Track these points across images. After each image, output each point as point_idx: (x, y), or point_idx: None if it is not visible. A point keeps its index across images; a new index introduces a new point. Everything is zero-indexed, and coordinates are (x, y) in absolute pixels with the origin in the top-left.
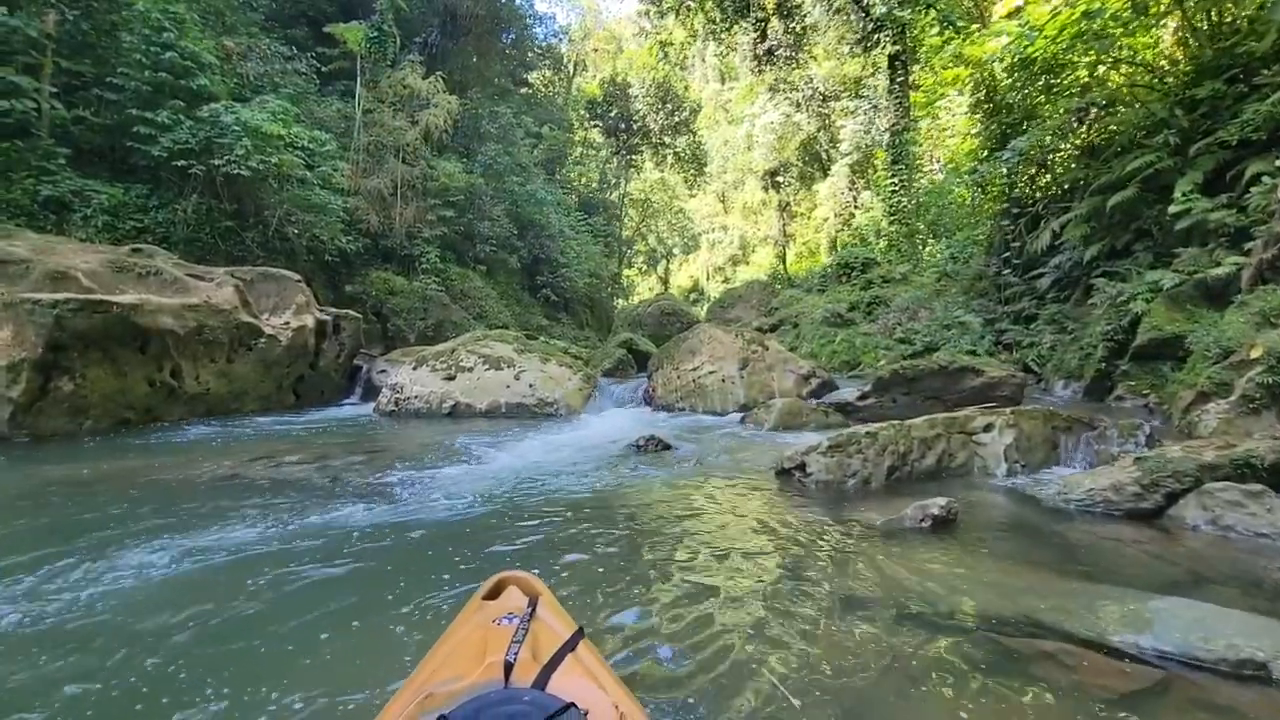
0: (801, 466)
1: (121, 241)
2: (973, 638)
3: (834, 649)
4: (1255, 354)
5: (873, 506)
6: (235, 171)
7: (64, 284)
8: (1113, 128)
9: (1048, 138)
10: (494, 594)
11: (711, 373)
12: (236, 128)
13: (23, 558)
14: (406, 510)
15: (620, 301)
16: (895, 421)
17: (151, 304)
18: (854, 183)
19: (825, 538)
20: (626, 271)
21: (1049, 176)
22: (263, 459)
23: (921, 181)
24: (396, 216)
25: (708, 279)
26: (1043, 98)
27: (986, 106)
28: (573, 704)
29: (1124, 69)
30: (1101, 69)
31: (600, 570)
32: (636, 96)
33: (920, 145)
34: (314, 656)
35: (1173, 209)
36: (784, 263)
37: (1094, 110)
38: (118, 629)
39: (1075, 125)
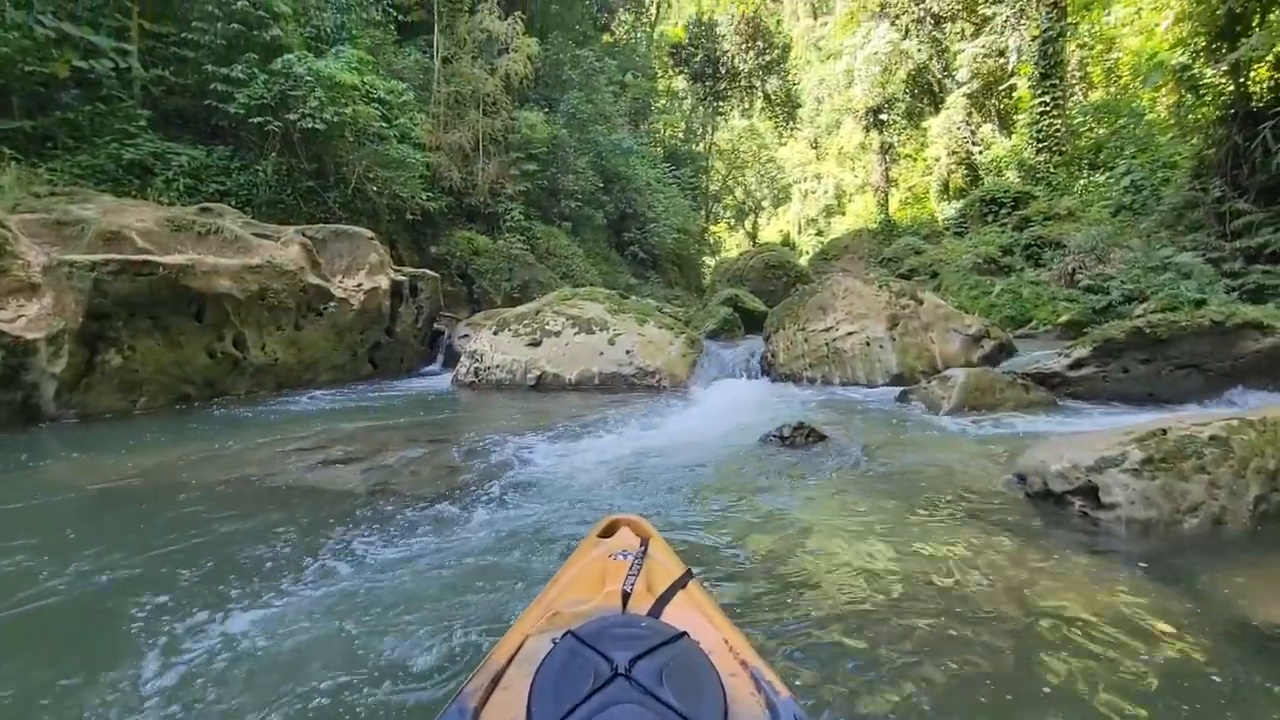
0: (1089, 492)
1: None
2: None
3: None
4: None
5: (1271, 586)
6: (311, 125)
7: (116, 245)
8: None
9: None
10: (607, 533)
11: (850, 334)
12: (309, 78)
13: None
14: (457, 547)
15: (708, 259)
16: (1245, 416)
17: (205, 265)
18: (972, 115)
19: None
20: (713, 227)
21: None
22: (308, 451)
23: (1075, 100)
24: (479, 172)
25: (799, 232)
26: None
27: None
28: (686, 632)
29: None
30: None
31: None
32: (724, 36)
33: (1093, 49)
34: None
35: None
36: (886, 210)
37: None
38: None
39: None
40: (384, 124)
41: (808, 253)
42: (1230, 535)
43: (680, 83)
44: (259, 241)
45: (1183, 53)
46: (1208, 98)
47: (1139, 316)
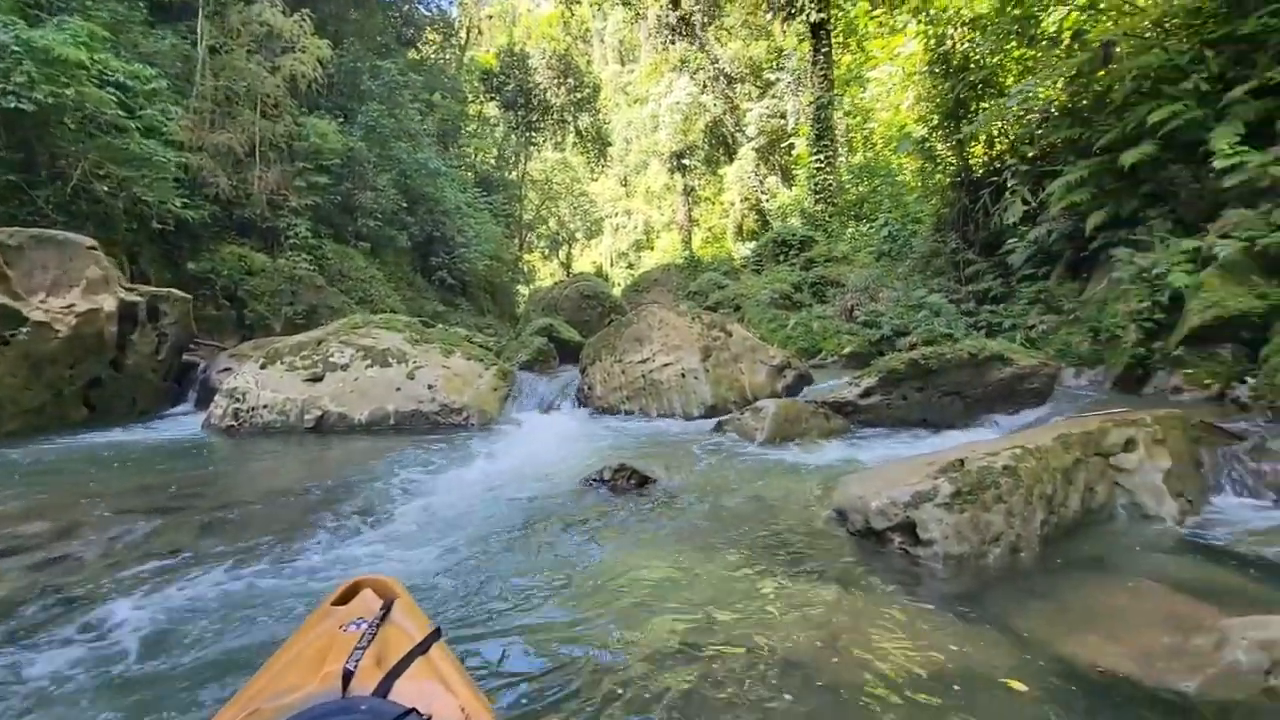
0: (908, 528)
1: None
2: None
3: None
4: None
5: (1073, 616)
6: (14, 105)
7: None
8: (1132, 73)
9: (1043, 90)
10: (346, 599)
11: (666, 365)
12: (16, 48)
13: None
14: (158, 670)
15: (521, 287)
16: (1025, 444)
17: None
18: (760, 167)
19: None
20: (527, 256)
21: (1006, 142)
22: None
23: (842, 160)
24: (255, 181)
25: (611, 264)
26: (1018, 50)
27: (941, 68)
28: (414, 710)
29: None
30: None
31: None
32: (536, 69)
33: (854, 118)
34: None
35: (1219, 164)
36: (690, 247)
37: (1123, 45)
38: None
39: (1099, 64)
40: (123, 113)
41: (620, 284)
42: (1025, 563)
43: (492, 109)
44: None
45: (922, 128)
46: (941, 166)
47: (913, 349)
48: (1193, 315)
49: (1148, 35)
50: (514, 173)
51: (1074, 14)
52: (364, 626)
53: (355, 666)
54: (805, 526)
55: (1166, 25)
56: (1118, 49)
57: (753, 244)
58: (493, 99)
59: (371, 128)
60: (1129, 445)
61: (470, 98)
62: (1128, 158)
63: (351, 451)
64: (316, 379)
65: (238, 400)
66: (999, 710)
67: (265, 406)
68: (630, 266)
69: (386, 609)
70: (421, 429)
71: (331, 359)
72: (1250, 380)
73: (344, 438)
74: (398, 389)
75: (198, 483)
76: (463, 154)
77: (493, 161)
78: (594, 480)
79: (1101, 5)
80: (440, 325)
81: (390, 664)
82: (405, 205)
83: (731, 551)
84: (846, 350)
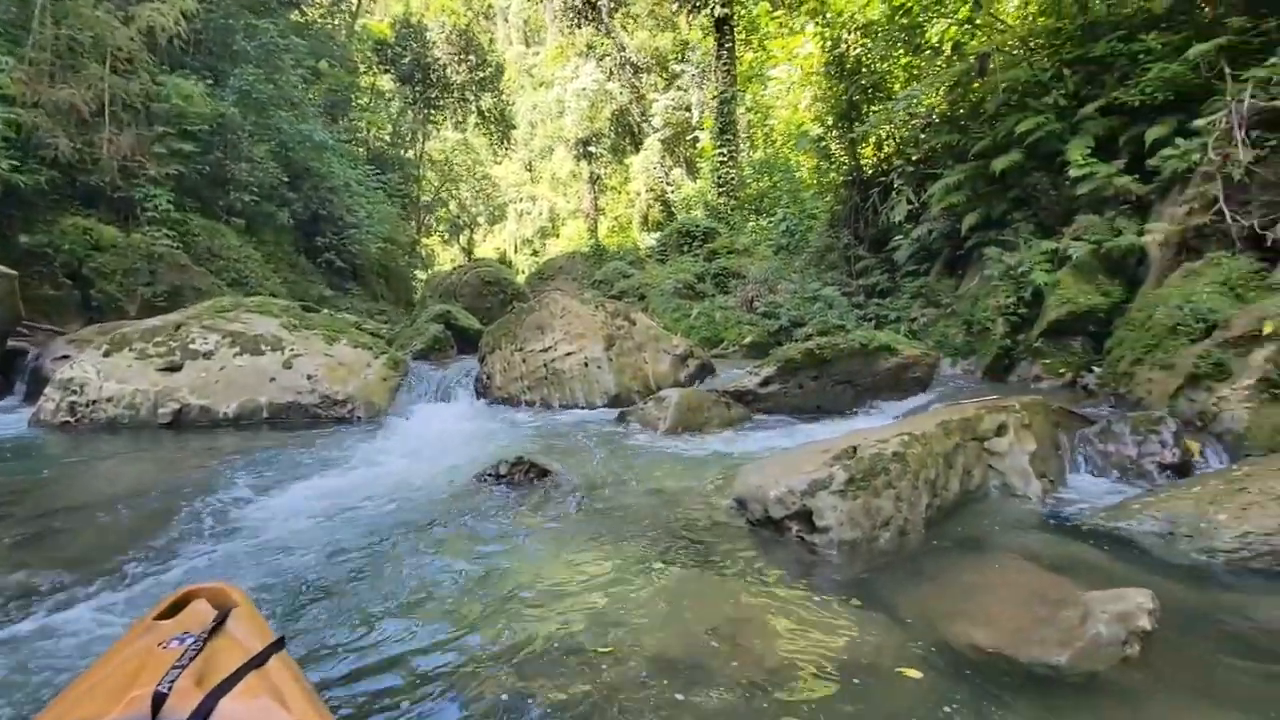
0: (804, 516)
1: None
2: None
3: None
4: (1270, 329)
5: (954, 597)
6: None
7: None
8: (1003, 85)
9: (926, 97)
10: (174, 611)
11: (569, 354)
12: None
13: None
14: None
15: (419, 273)
16: (912, 430)
17: None
18: (665, 158)
19: None
20: (426, 240)
21: (893, 145)
22: None
23: (744, 154)
24: (104, 145)
25: (515, 251)
26: (905, 57)
27: (835, 70)
28: None
29: (995, 35)
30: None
31: None
32: (435, 43)
33: (756, 114)
34: None
35: (1073, 173)
36: (596, 236)
37: (995, 59)
38: None
39: (974, 75)
40: None
41: (524, 272)
42: (911, 544)
43: (387, 83)
44: None
45: (818, 127)
46: (835, 165)
47: (808, 339)
48: (1050, 310)
49: (1016, 52)
50: (411, 151)
51: (954, 27)
52: (188, 641)
53: (170, 688)
54: (706, 517)
55: (1032, 44)
56: (991, 63)
57: (658, 234)
58: (387, 71)
59: (246, 92)
60: (1000, 430)
61: (362, 69)
62: (998, 164)
63: (213, 449)
64: (174, 368)
65: (74, 392)
66: (891, 695)
67: (110, 399)
68: (535, 254)
69: (220, 620)
70: (300, 423)
71: (192, 346)
72: (1096, 370)
73: (207, 434)
74: (272, 379)
75: (15, 489)
76: (353, 128)
77: (387, 138)
78: (489, 475)
79: (978, 21)
80: (326, 310)
81: (218, 680)
82: (287, 180)
83: (630, 545)
84: (747, 340)
